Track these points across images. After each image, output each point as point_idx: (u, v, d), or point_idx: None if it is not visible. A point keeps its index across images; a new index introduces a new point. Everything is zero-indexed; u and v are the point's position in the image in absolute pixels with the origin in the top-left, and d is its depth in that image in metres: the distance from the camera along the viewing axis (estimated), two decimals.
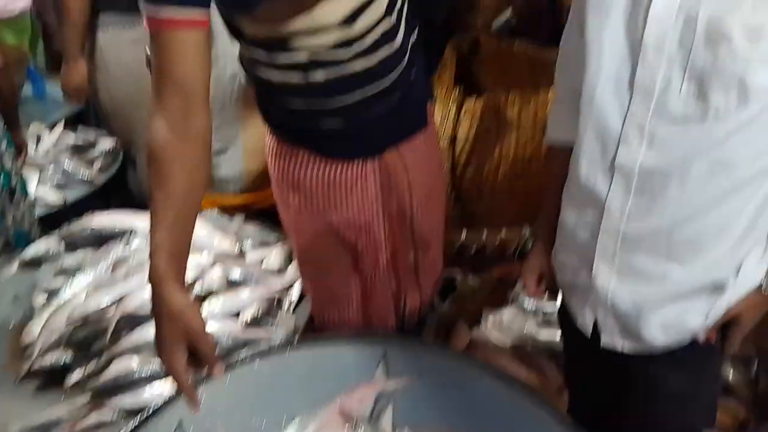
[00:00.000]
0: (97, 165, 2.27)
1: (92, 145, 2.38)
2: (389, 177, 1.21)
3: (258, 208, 1.86)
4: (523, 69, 2.27)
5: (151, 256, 0.86)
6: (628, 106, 0.82)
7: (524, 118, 1.90)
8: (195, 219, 0.91)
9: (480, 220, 2.00)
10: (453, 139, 1.94)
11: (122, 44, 2.03)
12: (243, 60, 1.11)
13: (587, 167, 0.89)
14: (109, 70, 2.11)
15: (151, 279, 0.86)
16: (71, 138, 2.42)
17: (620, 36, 0.82)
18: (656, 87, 0.79)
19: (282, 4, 0.93)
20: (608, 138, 0.85)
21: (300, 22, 0.96)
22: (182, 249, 0.89)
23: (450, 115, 1.93)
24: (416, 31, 1.15)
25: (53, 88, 2.57)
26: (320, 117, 1.11)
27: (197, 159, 0.91)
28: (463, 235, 1.90)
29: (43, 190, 2.12)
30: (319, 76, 1.03)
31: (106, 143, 2.37)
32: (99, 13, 2.03)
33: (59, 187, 2.17)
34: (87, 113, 2.61)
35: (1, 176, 1.66)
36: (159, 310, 0.85)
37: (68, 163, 2.24)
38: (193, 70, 0.91)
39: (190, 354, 0.85)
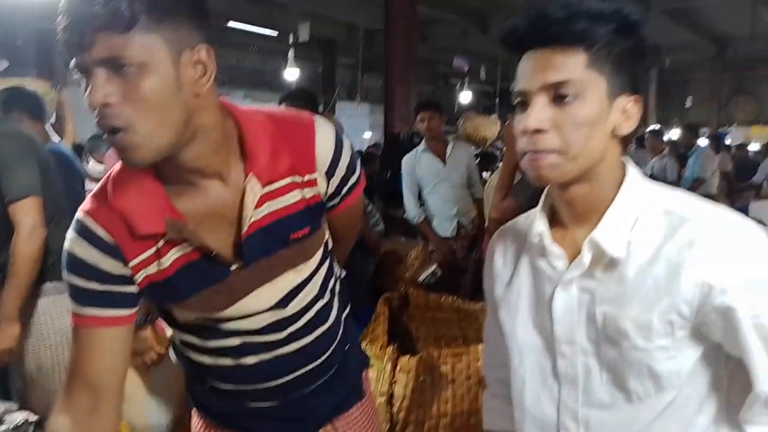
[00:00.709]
0: None
1: (0, 421, 2.17)
2: None
3: None
4: (452, 320, 2.38)
5: None
6: (559, 395, 0.84)
7: (458, 372, 1.93)
8: None
9: None
10: (390, 398, 1.91)
11: (63, 310, 1.99)
12: (174, 343, 1.10)
13: None
14: (43, 336, 2.03)
15: None
16: None
17: (534, 331, 0.86)
18: (579, 376, 0.82)
19: (213, 294, 0.94)
20: (547, 426, 0.86)
21: (232, 309, 0.96)
22: None
23: (385, 374, 1.93)
24: (348, 308, 1.18)
25: None
26: (251, 398, 1.07)
27: None
28: None
29: None
30: (250, 360, 1.01)
31: (16, 416, 2.17)
32: (45, 280, 2.02)
33: None
34: None
35: None
36: None
37: None
38: (106, 368, 0.92)
39: None
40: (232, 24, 10.78)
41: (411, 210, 3.51)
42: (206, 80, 0.82)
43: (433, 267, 3.35)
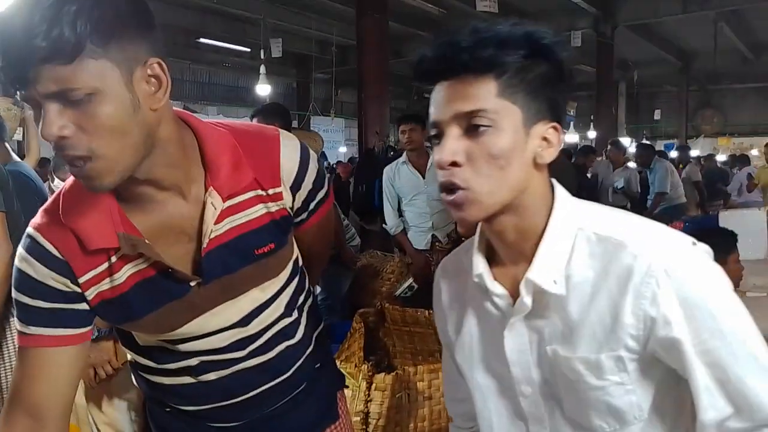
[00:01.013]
0: None
1: None
2: None
3: None
4: (429, 335, 2.35)
5: None
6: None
7: (435, 388, 1.90)
8: None
9: None
10: (366, 416, 1.88)
11: None
12: (133, 366, 1.05)
13: None
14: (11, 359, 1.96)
15: None
16: None
17: (492, 374, 0.84)
18: (544, 415, 0.80)
19: (170, 312, 0.90)
20: None
21: (191, 326, 0.92)
22: None
23: (360, 392, 1.89)
24: (322, 326, 1.14)
25: None
26: (212, 419, 1.02)
27: None
28: None
29: None
30: (209, 377, 0.97)
31: None
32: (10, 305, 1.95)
33: None
34: None
35: None
36: None
37: None
38: (51, 392, 0.87)
39: None
40: (203, 40, 10.74)
41: (390, 220, 3.50)
42: (162, 94, 0.79)
43: (410, 280, 3.33)
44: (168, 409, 1.04)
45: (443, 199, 0.76)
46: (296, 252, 1.04)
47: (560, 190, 0.79)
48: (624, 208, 5.71)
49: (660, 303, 0.70)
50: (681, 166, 7.53)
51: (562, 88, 0.77)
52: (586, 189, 5.54)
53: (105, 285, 0.87)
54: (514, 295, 0.78)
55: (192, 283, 0.89)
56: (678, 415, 0.79)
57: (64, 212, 0.85)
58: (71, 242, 0.85)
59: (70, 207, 0.85)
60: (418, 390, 1.91)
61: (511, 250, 0.79)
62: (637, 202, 6.03)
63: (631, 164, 6.72)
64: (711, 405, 0.71)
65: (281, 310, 1.00)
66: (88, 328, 0.90)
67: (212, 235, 0.88)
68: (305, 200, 0.98)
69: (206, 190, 0.87)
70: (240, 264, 0.91)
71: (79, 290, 0.87)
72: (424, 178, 3.48)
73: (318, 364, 1.10)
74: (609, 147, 6.94)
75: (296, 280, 1.04)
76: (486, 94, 0.72)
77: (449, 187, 0.74)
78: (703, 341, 0.70)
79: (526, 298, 0.76)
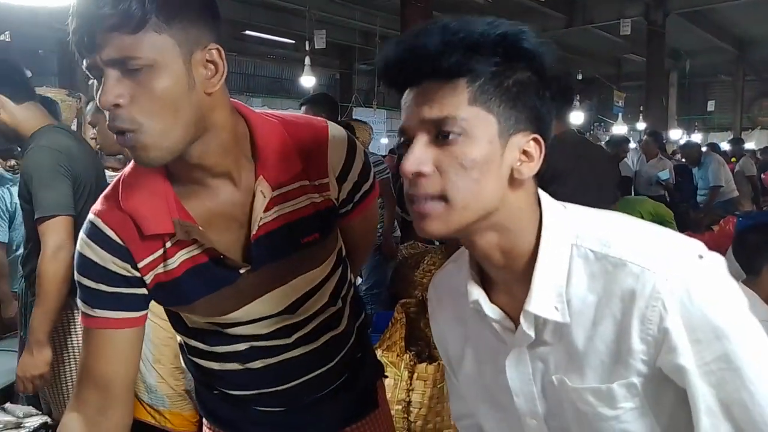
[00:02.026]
0: None
1: (18, 425, 2.20)
2: None
3: None
4: None
5: None
6: None
7: None
8: None
9: None
10: (408, 405, 1.89)
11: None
12: (183, 350, 1.09)
13: None
14: (71, 346, 2.01)
15: None
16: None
17: (497, 405, 0.80)
18: None
19: (221, 298, 0.93)
20: None
21: (240, 313, 0.95)
22: None
23: (402, 381, 1.91)
24: (363, 316, 1.16)
25: None
26: (258, 403, 1.05)
27: None
28: None
29: None
30: (257, 364, 1.00)
31: (34, 420, 2.19)
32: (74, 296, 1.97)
33: None
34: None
35: None
36: None
37: None
38: (116, 368, 0.93)
39: None
40: (249, 32, 10.89)
41: None
42: (217, 79, 0.82)
43: None
44: (215, 392, 1.07)
45: (410, 210, 0.70)
46: (340, 242, 1.06)
47: (547, 203, 0.72)
48: (661, 199, 5.49)
49: (668, 327, 0.64)
50: (734, 159, 7.26)
51: (546, 96, 0.69)
52: (623, 182, 5.40)
53: (160, 270, 0.90)
54: (514, 316, 0.73)
55: (242, 270, 0.92)
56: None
57: (123, 198, 0.88)
58: (130, 228, 0.88)
59: (129, 193, 0.88)
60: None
61: (502, 273, 0.73)
62: (676, 194, 5.83)
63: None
64: (713, 427, 0.65)
65: (325, 299, 1.02)
66: (145, 311, 0.94)
67: (261, 223, 0.90)
68: (350, 192, 0.99)
69: (256, 178, 0.89)
70: (287, 252, 0.93)
71: (138, 275, 0.90)
72: None
73: (359, 354, 1.13)
74: (645, 137, 6.72)
75: (340, 270, 1.05)
76: (457, 102, 0.65)
77: (412, 199, 0.68)
78: (706, 363, 0.64)
79: (529, 330, 0.71)
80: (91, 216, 0.91)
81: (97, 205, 0.91)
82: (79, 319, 1.96)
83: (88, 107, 3.00)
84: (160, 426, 2.25)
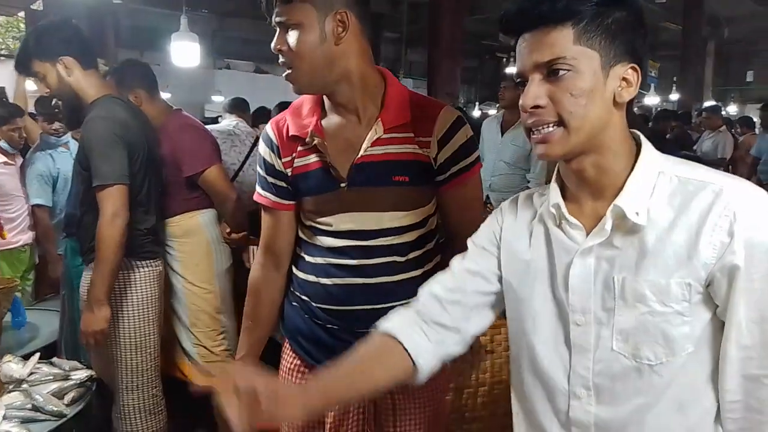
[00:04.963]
0: (68, 398, 2.21)
1: (66, 377, 2.34)
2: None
3: None
4: None
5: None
6: (570, 363, 0.85)
7: (497, 344, 1.97)
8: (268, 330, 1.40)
9: None
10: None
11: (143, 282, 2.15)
12: (301, 230, 1.34)
13: (543, 420, 0.90)
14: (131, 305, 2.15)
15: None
16: (45, 369, 2.38)
17: (549, 301, 0.88)
18: (591, 345, 0.83)
19: (323, 200, 1.24)
20: (558, 393, 0.87)
21: (333, 219, 1.25)
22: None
23: None
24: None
25: (33, 318, 2.59)
26: (320, 317, 1.27)
27: (278, 290, 1.39)
28: None
29: (8, 426, 2.02)
30: (326, 280, 1.27)
31: (80, 373, 2.33)
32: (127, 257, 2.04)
33: (25, 421, 2.08)
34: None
35: None
36: None
37: (39, 398, 2.17)
38: (278, 237, 1.34)
39: None
40: None
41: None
42: (344, 34, 1.15)
43: None
44: (294, 303, 1.36)
45: (531, 140, 0.83)
46: (434, 208, 1.28)
47: (645, 140, 0.85)
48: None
49: (734, 233, 0.75)
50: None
51: (641, 31, 0.81)
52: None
53: (296, 164, 1.26)
54: (586, 230, 0.85)
55: (342, 184, 1.22)
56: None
57: (290, 112, 1.28)
58: (283, 132, 1.27)
59: (294, 110, 1.28)
60: (480, 343, 1.98)
61: (589, 187, 0.85)
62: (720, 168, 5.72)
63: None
64: (737, 341, 0.76)
65: (397, 246, 1.24)
66: (294, 201, 1.31)
67: (366, 153, 1.20)
68: (448, 159, 1.22)
69: (376, 120, 1.20)
70: (378, 182, 1.21)
71: (282, 169, 1.27)
72: (501, 137, 3.45)
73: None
74: (704, 113, 6.57)
75: (422, 231, 1.26)
76: (564, 42, 0.78)
77: (532, 130, 0.82)
78: (752, 280, 0.75)
79: (608, 224, 0.82)
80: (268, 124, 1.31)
81: (275, 116, 1.32)
82: (134, 277, 2.11)
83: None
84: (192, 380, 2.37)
